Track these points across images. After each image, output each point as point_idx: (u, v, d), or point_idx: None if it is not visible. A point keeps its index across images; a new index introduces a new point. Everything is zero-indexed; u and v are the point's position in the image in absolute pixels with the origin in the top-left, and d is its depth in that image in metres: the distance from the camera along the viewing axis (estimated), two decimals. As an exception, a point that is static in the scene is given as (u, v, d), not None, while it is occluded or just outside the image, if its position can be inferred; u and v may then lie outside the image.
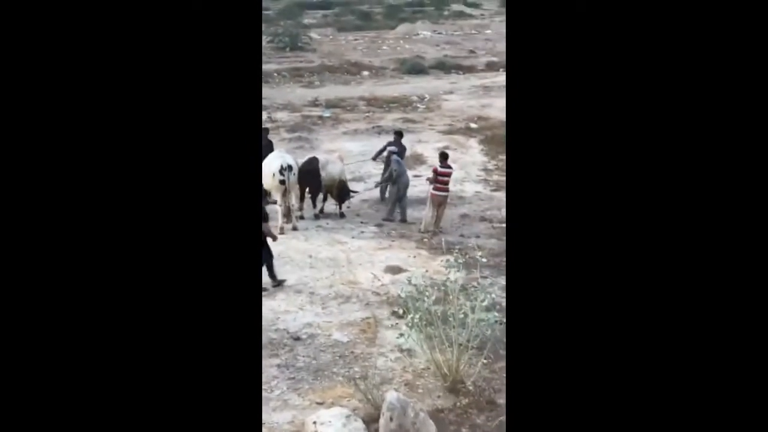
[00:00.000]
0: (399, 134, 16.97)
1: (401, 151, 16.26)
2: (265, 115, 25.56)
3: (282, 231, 13.81)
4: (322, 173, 14.86)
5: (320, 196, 15.29)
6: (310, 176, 14.79)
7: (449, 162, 14.81)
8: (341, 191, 15.17)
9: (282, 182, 13.92)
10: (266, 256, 11.43)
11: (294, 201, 14.50)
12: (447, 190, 14.52)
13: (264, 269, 11.28)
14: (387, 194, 16.02)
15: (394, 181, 15.12)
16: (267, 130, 16.99)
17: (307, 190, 15.07)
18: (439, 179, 14.35)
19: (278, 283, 11.73)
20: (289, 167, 14.08)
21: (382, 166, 16.77)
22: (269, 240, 11.47)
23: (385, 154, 16.21)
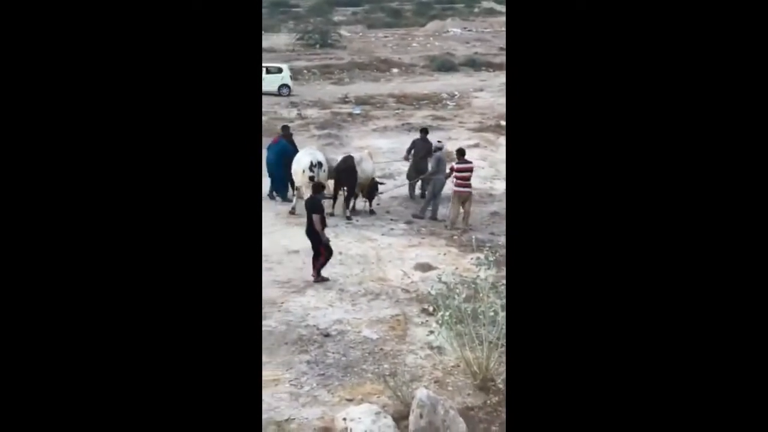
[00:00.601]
0: (425, 131, 17.04)
1: (428, 148, 16.27)
2: (294, 112, 25.68)
3: None
4: (358, 171, 14.90)
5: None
6: (345, 174, 14.86)
7: (468, 158, 14.81)
8: (371, 188, 15.19)
9: (311, 178, 14.08)
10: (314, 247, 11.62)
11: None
12: (469, 186, 14.46)
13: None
14: (419, 191, 16.07)
15: (430, 179, 15.14)
16: (287, 127, 17.13)
17: (344, 188, 15.09)
18: (459, 175, 14.32)
19: (320, 279, 11.76)
20: (319, 164, 14.35)
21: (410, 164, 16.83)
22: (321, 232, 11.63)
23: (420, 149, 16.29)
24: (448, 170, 14.79)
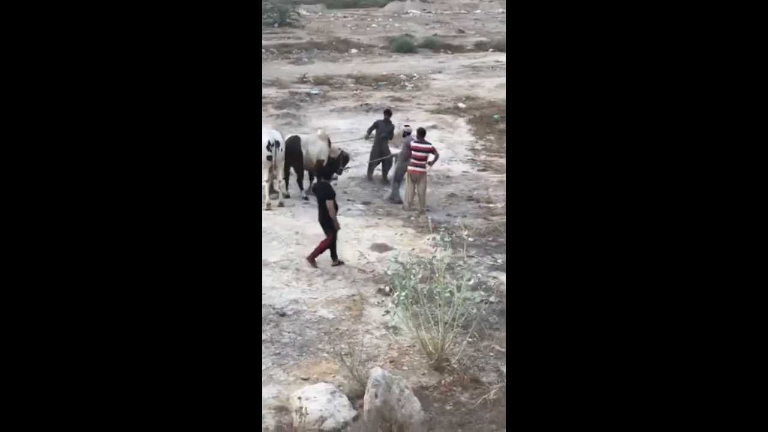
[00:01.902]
0: (388, 113, 17.01)
1: (390, 129, 16.26)
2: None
3: (269, 207, 13.94)
4: (303, 152, 14.85)
5: (306, 175, 15.28)
6: (291, 155, 14.76)
7: (428, 139, 14.81)
8: (321, 171, 15.12)
9: (269, 158, 13.98)
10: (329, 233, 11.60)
11: (280, 177, 14.50)
12: (423, 167, 14.40)
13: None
14: (378, 172, 16.07)
15: (391, 161, 15.16)
16: None
17: (291, 169, 15.07)
18: (415, 155, 14.31)
19: (338, 263, 11.73)
20: (277, 143, 14.20)
21: (371, 145, 16.79)
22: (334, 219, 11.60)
23: (380, 133, 16.26)
24: (405, 147, 14.78)
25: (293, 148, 14.77)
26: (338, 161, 15.32)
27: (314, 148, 14.95)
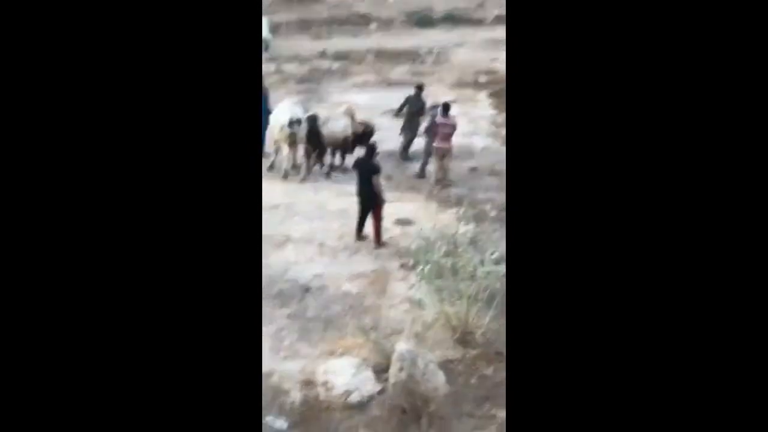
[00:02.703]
0: (419, 88, 16.70)
1: (421, 105, 16.09)
2: (273, 67, 25.43)
3: (286, 175, 14.43)
4: (323, 130, 14.75)
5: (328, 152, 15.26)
6: (309, 133, 14.68)
7: (452, 114, 14.73)
8: (345, 147, 15.08)
9: (291, 135, 14.10)
10: (368, 205, 11.57)
11: (302, 153, 14.60)
12: (449, 142, 14.36)
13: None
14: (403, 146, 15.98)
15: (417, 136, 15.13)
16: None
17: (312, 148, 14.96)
18: (441, 132, 14.25)
19: (362, 238, 11.73)
20: (299, 121, 14.20)
21: (393, 121, 16.68)
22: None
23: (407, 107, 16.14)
24: (430, 125, 14.71)
25: (311, 127, 14.68)
26: (363, 136, 15.25)
27: (338, 125, 14.89)
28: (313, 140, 14.71)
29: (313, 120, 14.74)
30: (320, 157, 15.00)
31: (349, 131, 14.93)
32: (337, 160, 15.28)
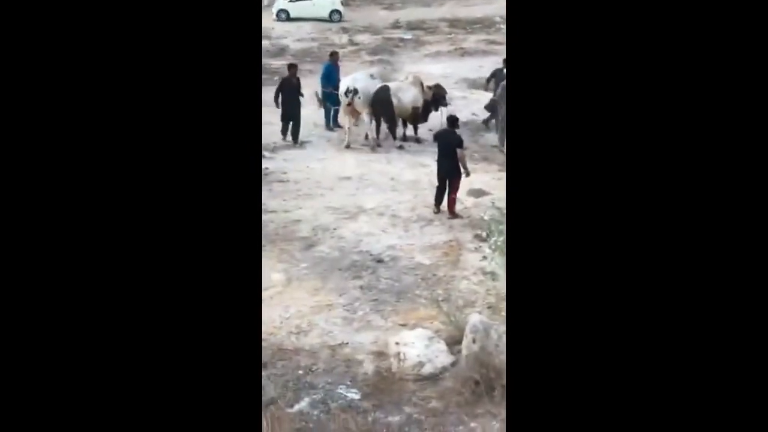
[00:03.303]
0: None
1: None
2: (346, 38, 25.45)
3: (348, 146, 14.86)
4: (394, 100, 14.66)
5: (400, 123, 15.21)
6: (380, 105, 14.70)
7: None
8: (416, 117, 14.98)
9: (348, 104, 14.55)
10: (449, 178, 11.48)
11: (353, 121, 15.03)
12: None
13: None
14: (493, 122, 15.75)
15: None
16: (335, 53, 17.12)
17: (382, 119, 14.97)
18: None
19: (440, 211, 11.62)
20: (355, 90, 14.51)
21: (470, 91, 16.53)
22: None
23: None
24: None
25: (383, 97, 14.66)
26: (435, 101, 15.12)
27: (407, 96, 14.82)
28: (386, 111, 14.68)
29: (384, 91, 14.69)
30: (392, 129, 14.94)
31: (419, 101, 14.83)
32: (410, 130, 15.22)
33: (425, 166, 13.41)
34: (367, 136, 14.68)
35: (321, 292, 9.32)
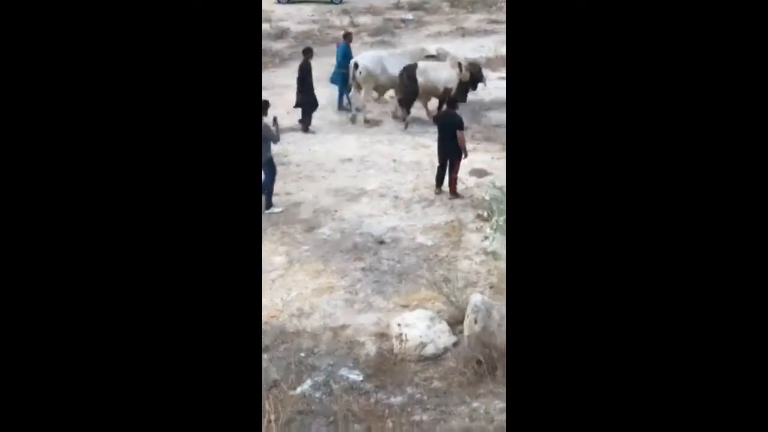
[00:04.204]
0: None
1: None
2: (347, 20, 25.34)
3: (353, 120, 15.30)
4: (420, 79, 14.66)
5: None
6: (403, 83, 14.81)
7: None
8: (445, 97, 14.94)
9: (353, 78, 15.15)
10: (449, 159, 11.49)
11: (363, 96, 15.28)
12: None
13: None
14: None
15: None
16: (349, 34, 17.10)
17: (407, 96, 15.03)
18: None
19: (441, 191, 11.59)
20: (356, 65, 15.12)
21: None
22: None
23: None
24: None
25: (407, 75, 14.75)
26: (471, 83, 15.06)
27: (440, 75, 14.82)
28: (406, 88, 14.82)
29: (410, 69, 14.83)
30: (405, 105, 15.04)
31: (453, 82, 14.75)
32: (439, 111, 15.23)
33: (426, 147, 13.35)
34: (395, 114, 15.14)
35: (323, 274, 9.32)
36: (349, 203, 11.34)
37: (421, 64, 14.97)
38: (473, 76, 15.07)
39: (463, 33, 22.71)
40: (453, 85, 14.75)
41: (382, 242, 10.11)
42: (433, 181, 11.69)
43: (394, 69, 15.11)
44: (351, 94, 15.65)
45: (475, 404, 6.84)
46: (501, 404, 6.71)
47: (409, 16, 25.50)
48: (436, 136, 11.89)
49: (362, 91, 15.22)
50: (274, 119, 11.27)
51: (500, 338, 7.24)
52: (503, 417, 6.55)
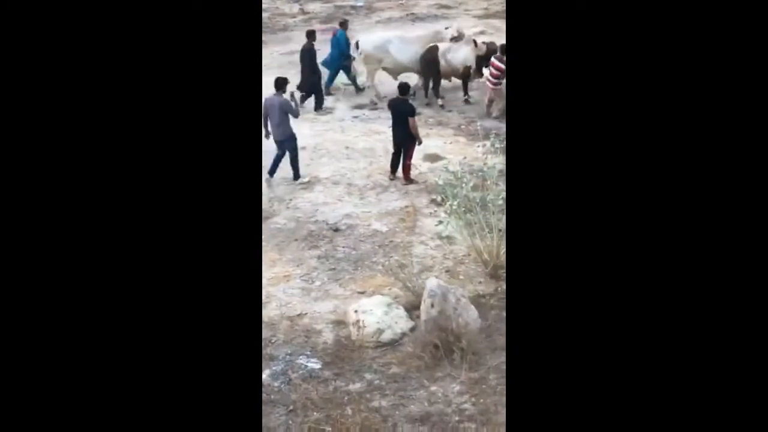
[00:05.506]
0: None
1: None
2: (296, 7, 25.19)
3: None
4: (442, 61, 14.71)
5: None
6: (425, 64, 14.90)
7: (481, 48, 14.50)
8: (468, 76, 14.90)
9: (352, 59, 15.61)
10: (402, 146, 11.53)
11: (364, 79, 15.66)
12: (496, 85, 13.93)
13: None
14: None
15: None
16: (345, 21, 17.02)
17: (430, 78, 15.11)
18: (494, 73, 13.88)
19: (396, 177, 11.60)
20: (356, 44, 15.42)
21: None
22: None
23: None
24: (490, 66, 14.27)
25: (429, 58, 14.79)
26: (486, 59, 14.95)
27: (457, 56, 14.82)
28: (427, 69, 14.92)
29: (431, 51, 14.86)
30: (427, 87, 15.12)
31: (470, 61, 14.71)
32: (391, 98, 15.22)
33: (379, 133, 13.34)
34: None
35: (278, 263, 9.29)
36: (303, 191, 11.30)
37: (442, 46, 14.97)
38: (489, 51, 14.89)
39: (414, 18, 22.67)
40: (471, 63, 14.78)
41: (337, 230, 10.10)
42: (387, 167, 11.68)
43: (403, 53, 15.07)
44: (352, 75, 15.84)
45: (433, 388, 6.87)
46: (458, 387, 6.77)
47: (360, 2, 25.39)
48: (387, 123, 11.88)
49: (364, 73, 15.47)
50: (292, 94, 11.61)
51: (456, 322, 7.29)
52: (461, 400, 6.62)
